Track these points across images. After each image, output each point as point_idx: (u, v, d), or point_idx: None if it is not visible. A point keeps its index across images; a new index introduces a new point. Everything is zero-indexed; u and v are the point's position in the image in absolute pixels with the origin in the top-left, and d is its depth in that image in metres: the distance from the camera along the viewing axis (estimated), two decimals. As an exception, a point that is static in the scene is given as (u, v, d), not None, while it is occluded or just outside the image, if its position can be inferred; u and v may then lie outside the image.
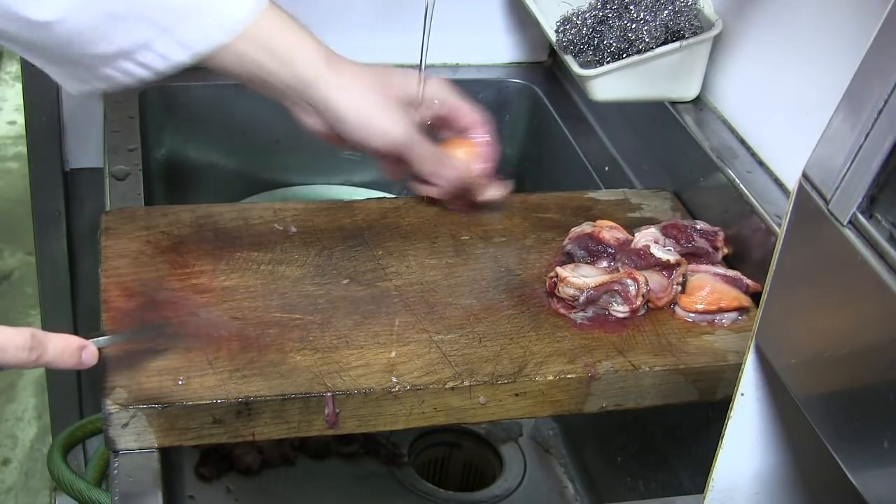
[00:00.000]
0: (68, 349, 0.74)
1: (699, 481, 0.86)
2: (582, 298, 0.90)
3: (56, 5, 0.80)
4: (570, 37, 1.10)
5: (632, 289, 0.91)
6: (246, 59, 0.89)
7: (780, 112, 1.04)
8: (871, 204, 0.56)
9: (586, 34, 1.09)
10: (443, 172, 0.97)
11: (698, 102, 1.15)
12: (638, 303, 0.91)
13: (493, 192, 1.02)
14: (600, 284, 0.91)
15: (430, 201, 1.04)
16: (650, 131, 1.21)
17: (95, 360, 0.77)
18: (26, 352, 0.71)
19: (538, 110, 1.43)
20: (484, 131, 0.98)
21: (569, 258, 0.97)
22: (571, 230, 0.99)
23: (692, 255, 0.99)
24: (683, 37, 1.08)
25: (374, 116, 0.92)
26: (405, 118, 0.93)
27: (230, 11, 0.87)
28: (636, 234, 0.99)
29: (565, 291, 0.91)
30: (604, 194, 1.12)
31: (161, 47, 0.85)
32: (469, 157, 0.98)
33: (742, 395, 0.70)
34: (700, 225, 1.01)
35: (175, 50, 0.86)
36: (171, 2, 0.85)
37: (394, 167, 0.97)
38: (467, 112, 0.98)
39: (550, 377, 0.85)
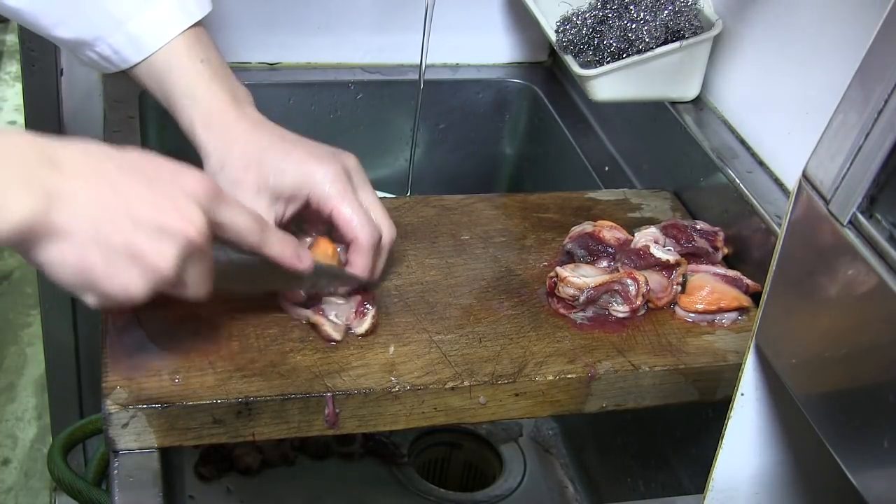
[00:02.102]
0: (288, 240, 0.80)
1: (699, 481, 0.86)
2: (582, 298, 0.90)
3: None
4: (570, 37, 1.10)
5: (632, 289, 0.91)
6: (154, 79, 0.92)
7: (780, 112, 1.04)
8: (871, 204, 0.56)
9: (586, 34, 1.09)
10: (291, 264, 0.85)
11: (698, 102, 1.15)
12: (638, 303, 0.91)
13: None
14: (600, 284, 0.91)
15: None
16: (650, 131, 1.21)
17: (310, 262, 0.81)
18: (254, 222, 0.76)
19: (538, 110, 1.43)
20: (359, 250, 0.86)
21: (569, 257, 0.97)
22: (572, 230, 0.99)
23: (692, 255, 0.99)
24: (683, 37, 1.08)
25: (231, 193, 0.83)
26: (262, 206, 0.85)
27: (162, 19, 0.90)
28: (636, 234, 0.99)
29: (565, 291, 0.91)
30: (604, 194, 1.12)
31: (115, 41, 0.91)
32: (329, 255, 0.88)
33: (742, 395, 0.70)
34: (700, 225, 1.01)
35: (126, 46, 0.91)
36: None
37: None
38: (346, 220, 0.85)
39: (550, 377, 0.85)
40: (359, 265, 0.86)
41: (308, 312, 0.86)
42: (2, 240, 0.63)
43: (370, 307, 0.86)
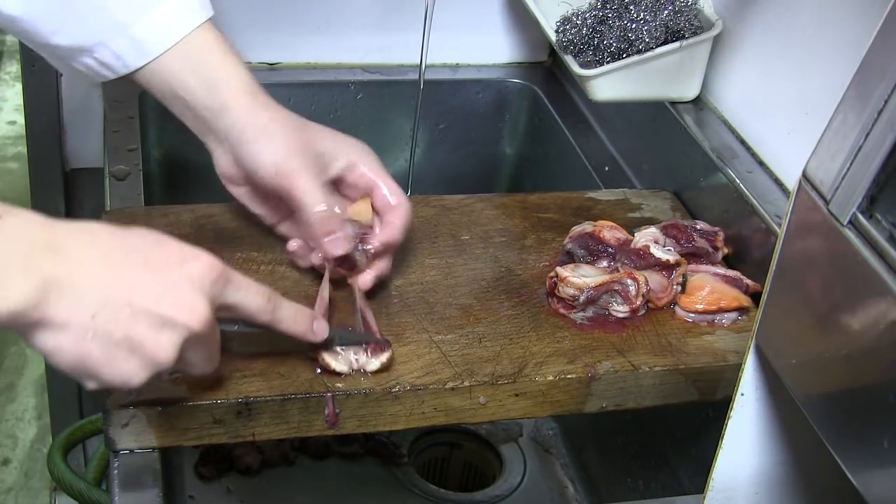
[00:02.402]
0: (301, 315, 0.78)
1: (699, 481, 0.86)
2: (582, 298, 0.90)
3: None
4: (570, 37, 1.10)
5: (632, 289, 0.91)
6: (173, 76, 0.91)
7: (780, 112, 1.04)
8: (871, 204, 0.56)
9: (586, 34, 1.09)
10: (328, 248, 0.88)
11: (698, 102, 1.15)
12: (638, 303, 0.91)
13: (368, 276, 0.91)
14: (600, 284, 0.91)
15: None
16: (650, 131, 1.21)
17: (326, 334, 0.80)
18: (263, 299, 0.75)
19: (538, 110, 1.43)
20: (398, 215, 0.91)
21: (569, 257, 0.97)
22: (572, 230, 0.99)
23: (692, 255, 0.99)
24: (683, 37, 1.08)
25: (294, 168, 0.87)
26: (319, 177, 0.88)
27: (167, 20, 0.89)
28: (636, 234, 0.99)
29: (565, 291, 0.91)
30: (604, 194, 1.12)
31: (117, 46, 0.90)
32: (369, 215, 0.92)
33: (742, 395, 0.70)
34: (700, 225, 1.01)
35: (129, 51, 0.90)
36: (120, 5, 0.88)
37: (280, 219, 0.94)
38: (382, 195, 0.91)
39: (550, 377, 0.85)
40: (396, 223, 0.90)
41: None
42: None
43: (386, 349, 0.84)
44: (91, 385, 0.69)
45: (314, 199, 0.87)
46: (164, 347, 0.68)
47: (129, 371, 0.68)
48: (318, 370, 0.82)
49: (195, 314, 0.68)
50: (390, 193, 0.91)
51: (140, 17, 0.89)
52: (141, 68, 0.91)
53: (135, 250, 0.68)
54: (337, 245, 0.88)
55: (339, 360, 0.82)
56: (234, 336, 0.77)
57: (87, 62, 0.92)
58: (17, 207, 0.65)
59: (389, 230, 0.90)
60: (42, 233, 0.65)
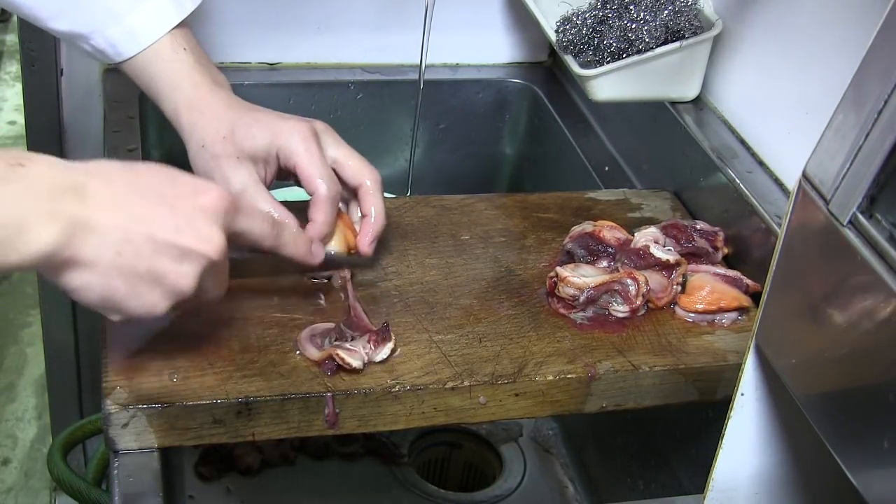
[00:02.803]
0: (301, 239, 0.83)
1: (699, 481, 0.86)
2: (582, 298, 0.90)
3: None
4: (570, 37, 1.10)
5: (632, 289, 0.91)
6: (142, 74, 0.95)
7: (780, 112, 1.04)
8: (871, 204, 0.56)
9: (586, 34, 1.09)
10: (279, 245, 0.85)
11: (698, 102, 1.15)
12: (638, 303, 0.91)
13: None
14: (600, 284, 0.91)
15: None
16: (650, 131, 1.20)
17: (322, 256, 0.85)
18: (269, 226, 0.79)
19: (538, 110, 1.43)
20: (319, 205, 0.88)
21: (569, 257, 0.97)
22: (572, 229, 0.99)
23: (692, 255, 0.99)
24: (683, 37, 1.08)
25: (210, 168, 0.90)
26: (243, 173, 0.89)
27: (160, 11, 0.93)
28: (636, 234, 0.99)
29: (565, 291, 0.91)
30: (604, 194, 1.12)
31: (111, 34, 0.93)
32: (343, 233, 0.91)
33: (742, 395, 0.70)
34: (700, 225, 1.01)
35: (123, 40, 0.93)
36: None
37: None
38: (306, 175, 0.89)
39: (550, 377, 0.85)
40: (318, 219, 0.89)
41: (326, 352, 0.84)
42: (26, 266, 0.66)
43: (389, 337, 0.85)
44: (115, 317, 0.73)
45: (260, 210, 0.87)
46: (186, 277, 0.71)
47: (152, 301, 0.72)
48: (329, 372, 0.82)
49: (212, 244, 0.72)
50: (307, 180, 0.89)
51: (135, 7, 0.92)
52: (133, 58, 0.94)
53: (150, 188, 0.71)
54: (313, 255, 0.86)
55: (355, 357, 0.82)
56: (241, 264, 0.82)
57: (85, 48, 0.95)
58: (39, 154, 0.67)
59: (314, 224, 0.88)
60: (64, 177, 0.67)
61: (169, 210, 0.71)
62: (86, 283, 0.69)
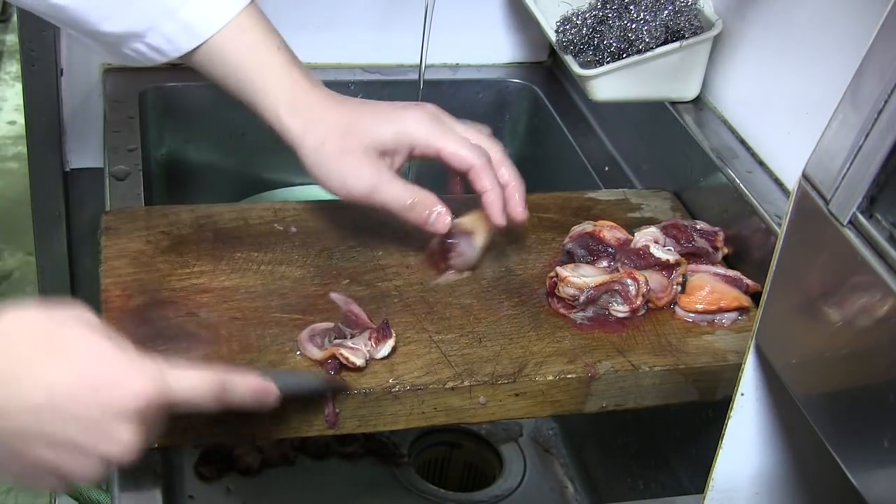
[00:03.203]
0: (251, 394, 0.73)
1: (699, 481, 0.86)
2: (582, 298, 0.90)
3: None
4: (570, 37, 1.10)
5: (632, 289, 0.91)
6: (224, 60, 0.90)
7: (780, 112, 1.04)
8: (871, 204, 0.56)
9: (586, 34, 1.09)
10: (413, 219, 0.90)
11: (698, 102, 1.15)
12: (638, 303, 0.91)
13: (461, 260, 0.94)
14: (600, 284, 0.91)
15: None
16: (650, 131, 1.21)
17: (276, 402, 0.76)
18: (211, 401, 0.71)
19: (538, 110, 1.43)
20: (484, 173, 0.89)
21: (569, 257, 0.97)
22: (572, 229, 0.99)
23: (692, 255, 0.99)
24: (683, 37, 1.08)
25: (335, 168, 0.88)
26: (371, 168, 0.88)
27: (215, 2, 0.89)
28: (636, 234, 0.99)
29: (565, 291, 0.91)
30: (604, 194, 1.12)
31: (168, 30, 0.89)
32: (478, 223, 0.93)
33: (742, 395, 0.70)
34: (700, 225, 1.01)
35: (180, 34, 0.89)
36: None
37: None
38: (453, 153, 0.89)
39: (550, 377, 0.85)
40: (486, 186, 0.89)
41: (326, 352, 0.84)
42: None
43: (390, 334, 0.85)
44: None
45: (397, 200, 0.88)
46: (87, 470, 0.67)
47: (50, 486, 0.68)
48: (333, 371, 0.82)
49: (117, 446, 0.66)
50: (456, 158, 0.89)
51: (187, 1, 0.88)
52: (195, 51, 0.90)
53: (61, 392, 0.65)
54: (440, 221, 0.89)
55: (358, 355, 0.82)
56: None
57: (137, 47, 0.91)
58: None
59: (484, 193, 0.89)
60: None
61: (73, 413, 0.65)
62: None
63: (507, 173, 0.92)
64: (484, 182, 0.89)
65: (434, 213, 0.90)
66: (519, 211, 0.92)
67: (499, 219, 0.90)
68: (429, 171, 1.45)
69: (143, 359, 0.68)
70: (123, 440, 0.66)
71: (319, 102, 0.90)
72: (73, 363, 0.65)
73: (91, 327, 0.67)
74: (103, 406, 0.65)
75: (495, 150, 0.92)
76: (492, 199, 0.90)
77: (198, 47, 0.90)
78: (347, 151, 0.88)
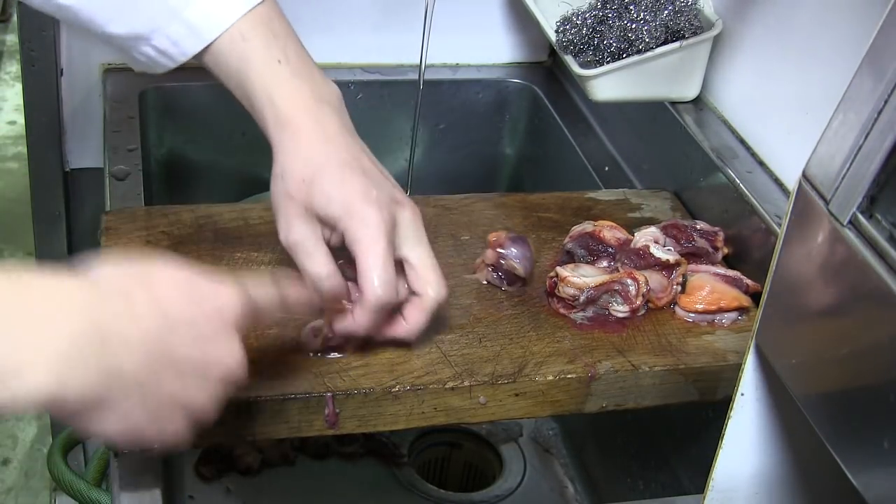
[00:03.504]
0: (303, 297, 0.76)
1: (699, 481, 0.86)
2: (582, 298, 0.90)
3: None
4: (570, 37, 1.10)
5: (632, 289, 0.91)
6: (229, 62, 0.87)
7: (780, 112, 1.04)
8: (871, 204, 0.56)
9: (586, 34, 1.09)
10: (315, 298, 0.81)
11: (698, 102, 1.15)
12: (638, 303, 0.91)
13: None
14: (600, 284, 0.91)
15: None
16: (650, 131, 1.21)
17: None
18: (278, 309, 0.73)
19: (538, 110, 1.43)
20: (362, 313, 0.80)
21: (569, 257, 0.97)
22: (572, 229, 0.99)
23: (692, 255, 0.99)
24: (683, 37, 1.08)
25: (278, 203, 0.83)
26: (303, 228, 0.81)
27: (220, 2, 0.86)
28: (636, 234, 0.99)
29: (565, 291, 0.91)
30: (604, 194, 1.12)
31: (173, 32, 0.87)
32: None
33: (742, 395, 0.70)
34: (700, 225, 1.01)
35: (185, 36, 0.87)
36: None
37: None
38: (361, 272, 0.79)
39: (550, 377, 0.85)
40: (357, 318, 0.81)
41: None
42: (20, 408, 0.61)
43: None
44: (131, 448, 0.70)
45: (309, 273, 0.81)
46: (209, 400, 0.69)
47: (176, 429, 0.69)
48: (319, 354, 0.82)
49: (233, 360, 0.69)
50: (360, 276, 0.79)
51: (192, 1, 0.85)
52: (203, 54, 0.87)
53: (168, 309, 0.66)
54: (338, 323, 0.82)
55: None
56: None
57: (145, 51, 0.88)
58: (57, 287, 0.63)
59: (350, 322, 0.81)
60: (87, 321, 0.62)
61: (188, 330, 0.66)
62: (109, 425, 0.64)
63: (415, 321, 0.83)
64: (357, 314, 0.81)
65: (338, 310, 0.82)
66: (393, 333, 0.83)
67: (333, 326, 0.83)
68: (429, 170, 1.45)
69: (223, 275, 0.70)
70: (234, 352, 0.68)
71: (307, 132, 0.83)
72: (173, 283, 0.67)
73: (169, 262, 0.69)
74: (210, 317, 0.67)
75: (434, 293, 0.82)
76: (355, 331, 0.82)
77: (205, 50, 0.87)
78: (294, 200, 0.81)
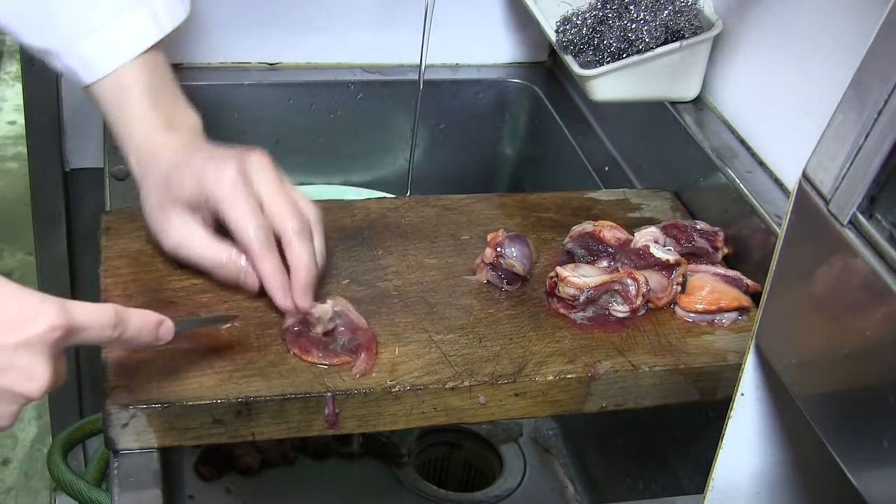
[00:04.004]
0: (147, 326, 0.73)
1: (699, 481, 0.86)
2: (582, 298, 0.90)
3: None
4: (570, 37, 1.10)
5: (632, 289, 0.91)
6: (102, 105, 0.91)
7: (780, 112, 1.04)
8: (871, 204, 0.56)
9: (586, 34, 1.09)
10: (223, 279, 0.87)
11: (698, 102, 1.15)
12: (638, 303, 0.91)
13: None
14: (600, 284, 0.91)
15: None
16: (650, 131, 1.21)
17: (172, 335, 0.75)
18: (109, 329, 0.70)
19: (538, 110, 1.43)
20: (260, 260, 0.83)
21: (569, 257, 0.97)
22: (572, 229, 0.99)
23: (692, 255, 0.99)
24: (683, 37, 1.08)
25: (154, 219, 0.87)
26: (179, 224, 0.86)
27: (115, 41, 0.89)
28: (636, 234, 0.99)
29: (565, 291, 0.91)
30: (604, 194, 1.12)
31: (69, 60, 0.90)
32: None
33: (742, 395, 0.70)
34: (700, 225, 1.01)
35: (80, 66, 0.90)
36: (77, 15, 0.88)
37: None
38: (233, 223, 0.83)
39: (550, 377, 0.85)
40: (264, 271, 0.83)
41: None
42: None
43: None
44: None
45: (204, 259, 0.85)
46: (3, 417, 0.67)
47: None
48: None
49: (35, 382, 0.66)
50: (234, 230, 0.83)
51: (90, 35, 0.88)
52: (91, 86, 0.91)
53: None
54: (250, 279, 0.85)
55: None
56: None
57: (59, 67, 0.92)
58: None
59: (260, 279, 0.85)
60: None
61: None
62: None
63: (299, 255, 0.84)
64: (260, 267, 0.84)
65: (242, 273, 0.85)
66: (300, 300, 0.84)
67: (281, 302, 0.84)
68: (429, 170, 1.46)
69: (43, 295, 0.67)
70: (39, 375, 0.66)
71: (163, 148, 0.88)
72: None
73: None
74: (16, 343, 0.65)
75: (293, 225, 0.84)
76: (272, 287, 0.84)
77: (95, 83, 0.90)
78: (161, 204, 0.86)
